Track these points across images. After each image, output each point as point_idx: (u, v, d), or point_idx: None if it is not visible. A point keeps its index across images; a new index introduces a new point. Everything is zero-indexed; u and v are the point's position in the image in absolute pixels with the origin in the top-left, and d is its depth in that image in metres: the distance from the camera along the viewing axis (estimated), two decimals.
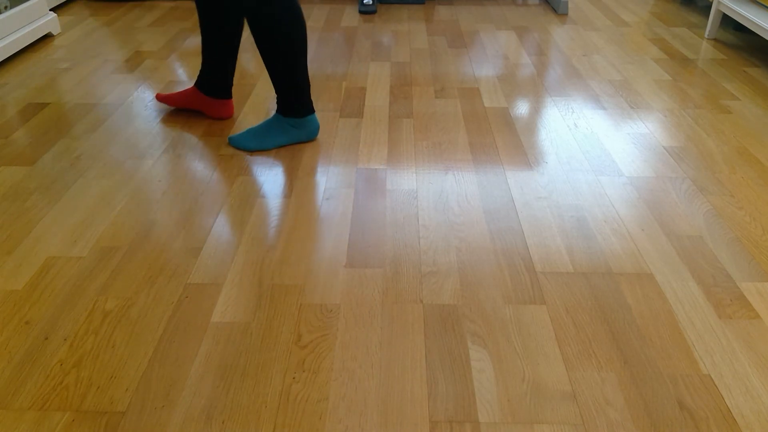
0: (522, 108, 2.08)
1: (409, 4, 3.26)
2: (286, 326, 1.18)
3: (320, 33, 2.81)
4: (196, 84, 1.95)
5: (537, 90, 2.22)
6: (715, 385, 1.06)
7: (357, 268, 1.33)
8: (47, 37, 2.70)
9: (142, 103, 2.09)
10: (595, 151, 1.81)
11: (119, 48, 2.60)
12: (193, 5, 3.19)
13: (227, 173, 1.69)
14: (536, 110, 2.06)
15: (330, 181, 1.65)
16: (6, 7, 2.41)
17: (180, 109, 2.04)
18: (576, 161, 1.75)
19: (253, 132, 1.81)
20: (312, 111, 1.81)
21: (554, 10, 3.18)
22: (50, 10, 3.00)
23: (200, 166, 1.72)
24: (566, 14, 3.11)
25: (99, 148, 1.81)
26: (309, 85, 1.77)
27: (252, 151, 1.79)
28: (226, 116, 1.97)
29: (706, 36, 2.76)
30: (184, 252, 1.38)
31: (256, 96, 2.15)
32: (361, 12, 3.11)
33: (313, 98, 2.14)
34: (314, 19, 3.02)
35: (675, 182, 1.65)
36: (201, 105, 1.96)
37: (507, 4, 3.28)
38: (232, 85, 1.93)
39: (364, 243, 1.41)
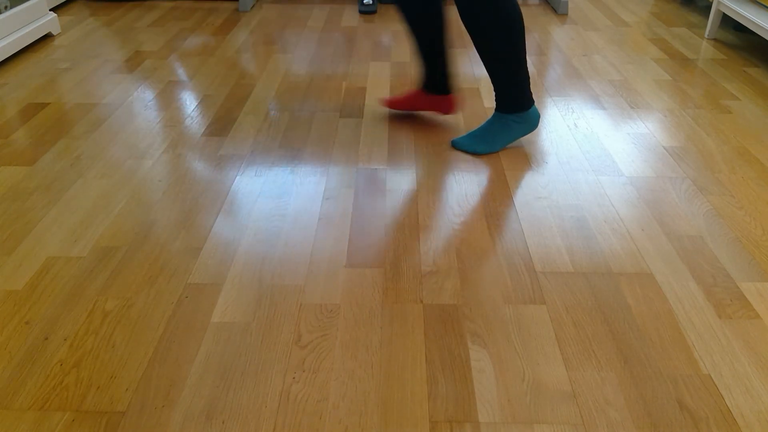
0: None
1: None
2: (286, 326, 1.18)
3: (320, 33, 2.81)
4: (420, 86, 1.93)
5: (537, 90, 2.22)
6: (715, 385, 1.06)
7: (357, 268, 1.33)
8: (47, 37, 2.70)
9: (142, 103, 2.09)
10: (595, 151, 1.81)
11: (119, 48, 2.60)
12: (193, 5, 3.20)
13: (227, 173, 1.69)
14: None
15: (330, 181, 1.65)
16: (6, 7, 2.41)
17: (179, 110, 2.04)
18: (576, 161, 1.75)
19: (478, 135, 1.78)
20: (533, 101, 1.75)
21: (554, 10, 3.18)
22: (50, 10, 3.00)
23: (200, 166, 1.72)
24: (566, 14, 3.11)
25: (99, 148, 1.81)
26: (529, 77, 1.72)
27: (481, 154, 1.78)
28: (452, 111, 1.93)
29: (706, 36, 2.76)
30: (184, 252, 1.38)
31: (256, 96, 2.15)
32: (361, 12, 3.11)
33: (313, 98, 2.14)
34: (314, 19, 3.02)
35: (675, 182, 1.65)
36: (428, 105, 1.94)
37: None
38: (449, 78, 1.87)
39: (364, 243, 1.41)
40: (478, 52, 1.67)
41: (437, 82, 1.87)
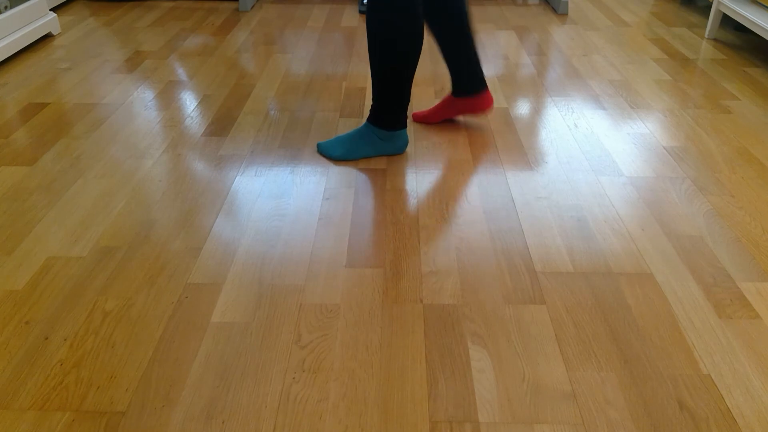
0: (522, 108, 2.08)
1: None
2: (286, 326, 1.18)
3: (320, 33, 2.81)
4: (452, 93, 1.90)
5: (537, 90, 2.22)
6: (715, 385, 1.06)
7: (357, 268, 1.33)
8: (47, 37, 2.70)
9: (142, 103, 2.09)
10: (595, 151, 1.81)
11: (119, 48, 2.60)
12: (193, 5, 3.20)
13: (227, 173, 1.69)
14: (536, 110, 2.06)
15: (330, 181, 1.65)
16: (6, 7, 2.41)
17: (179, 110, 2.05)
18: (576, 161, 1.75)
19: (341, 140, 1.75)
20: (405, 125, 1.74)
21: (554, 10, 3.18)
22: (50, 10, 3.00)
23: (200, 166, 1.72)
24: (566, 14, 3.12)
25: (99, 148, 1.81)
26: (409, 100, 1.70)
27: (338, 160, 1.75)
28: (488, 107, 1.88)
29: (706, 36, 2.76)
30: (184, 252, 1.38)
31: (256, 96, 2.15)
32: (361, 12, 3.11)
33: (313, 98, 2.14)
34: (314, 19, 3.02)
35: (675, 182, 1.65)
36: (462, 108, 1.91)
37: (507, 4, 3.28)
38: (479, 76, 1.83)
39: (364, 243, 1.41)
40: (369, 59, 1.64)
41: (466, 84, 1.85)
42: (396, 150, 1.77)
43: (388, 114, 1.70)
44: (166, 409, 1.01)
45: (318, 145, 1.78)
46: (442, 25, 1.76)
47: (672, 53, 2.57)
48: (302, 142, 1.84)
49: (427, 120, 1.96)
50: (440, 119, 1.96)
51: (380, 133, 1.73)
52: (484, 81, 1.85)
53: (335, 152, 1.75)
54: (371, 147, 1.75)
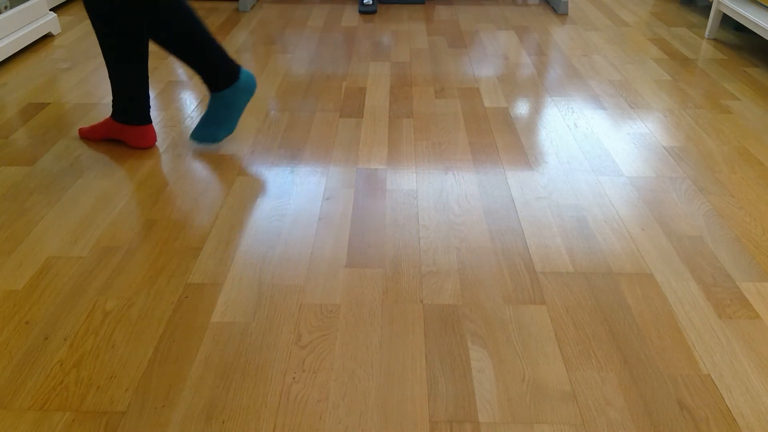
0: (522, 108, 2.08)
1: (409, 4, 3.26)
2: (286, 326, 1.18)
3: (320, 33, 2.81)
4: (111, 115, 1.81)
5: (537, 90, 2.22)
6: (715, 385, 1.06)
7: (357, 268, 1.33)
8: (47, 37, 2.70)
9: None
10: (595, 151, 1.81)
11: None
12: (193, 5, 3.19)
13: (227, 173, 1.69)
14: (536, 110, 2.06)
15: (330, 181, 1.65)
16: (6, 7, 2.41)
17: (179, 110, 2.05)
18: (576, 161, 1.75)
19: (209, 122, 1.76)
20: (239, 67, 1.76)
21: (554, 10, 3.18)
22: (50, 10, 3.00)
23: (200, 166, 1.72)
24: (566, 14, 3.11)
25: (99, 148, 1.81)
26: (223, 50, 1.71)
27: (223, 138, 1.79)
28: (146, 144, 1.80)
29: (706, 36, 2.76)
30: (184, 252, 1.38)
31: (256, 96, 2.15)
32: (361, 12, 3.11)
33: (313, 98, 2.14)
34: (314, 19, 3.02)
35: (675, 182, 1.65)
36: (119, 134, 1.81)
37: (507, 4, 3.28)
38: (143, 109, 1.78)
39: (364, 243, 1.41)
40: (165, 44, 1.66)
41: (135, 111, 1.76)
42: (250, 89, 1.79)
43: (221, 72, 1.72)
44: (166, 409, 1.01)
45: (196, 139, 1.78)
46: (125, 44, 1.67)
47: (672, 53, 2.57)
48: (302, 142, 1.84)
49: (88, 136, 1.84)
50: (101, 138, 1.83)
51: (230, 91, 1.75)
52: (149, 117, 1.79)
53: (220, 134, 1.78)
54: (234, 107, 1.78)
